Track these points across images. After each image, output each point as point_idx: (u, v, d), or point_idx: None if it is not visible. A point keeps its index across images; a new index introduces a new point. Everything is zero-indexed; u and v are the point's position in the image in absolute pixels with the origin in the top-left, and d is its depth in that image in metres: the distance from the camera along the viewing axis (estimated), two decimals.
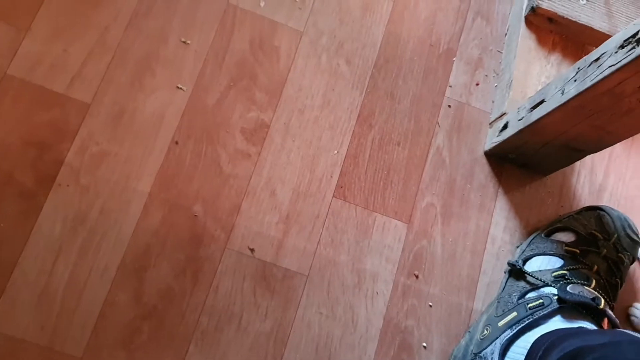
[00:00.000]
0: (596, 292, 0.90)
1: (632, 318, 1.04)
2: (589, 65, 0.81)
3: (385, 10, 1.12)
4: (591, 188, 1.11)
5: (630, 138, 1.14)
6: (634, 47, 0.72)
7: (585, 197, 1.10)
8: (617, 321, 0.87)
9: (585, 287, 0.90)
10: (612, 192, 1.11)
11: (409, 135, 1.06)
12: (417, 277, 0.99)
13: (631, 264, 1.02)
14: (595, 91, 0.80)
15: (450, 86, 1.11)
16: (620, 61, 0.74)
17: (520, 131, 0.97)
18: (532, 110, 0.94)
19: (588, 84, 0.80)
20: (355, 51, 1.09)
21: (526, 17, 1.09)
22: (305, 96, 1.04)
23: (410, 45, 1.11)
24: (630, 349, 0.70)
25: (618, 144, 1.13)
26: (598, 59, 0.79)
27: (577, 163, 1.11)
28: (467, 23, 1.15)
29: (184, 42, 1.02)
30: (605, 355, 0.69)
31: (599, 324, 0.87)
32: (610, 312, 0.87)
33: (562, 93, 0.86)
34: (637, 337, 0.74)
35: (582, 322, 0.87)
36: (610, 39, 0.78)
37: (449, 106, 1.09)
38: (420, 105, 1.08)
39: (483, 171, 1.08)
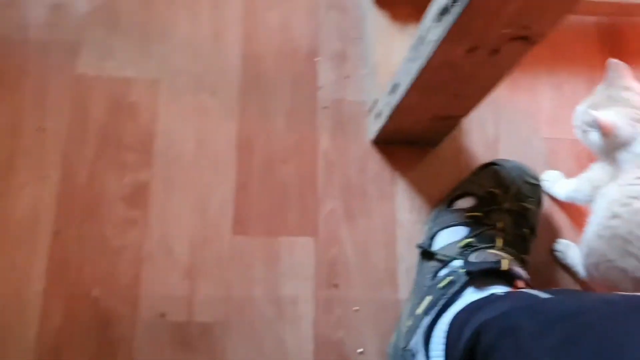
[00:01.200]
0: (501, 253, 0.90)
1: (557, 253, 1.04)
2: (418, 44, 0.80)
3: (237, 31, 1.10)
4: (485, 143, 1.11)
5: (512, 82, 1.14)
6: (446, 16, 0.71)
7: (481, 154, 1.10)
8: (525, 276, 0.87)
9: (490, 251, 0.90)
10: (506, 141, 1.11)
11: (293, 149, 1.05)
12: (336, 286, 0.99)
13: (538, 207, 1.02)
14: (432, 66, 0.79)
15: (321, 87, 1.09)
16: (440, 35, 0.73)
17: (391, 115, 0.97)
18: (392, 95, 0.93)
19: (424, 62, 0.79)
20: (217, 81, 1.07)
21: None
22: (178, 142, 1.02)
23: (270, 58, 1.10)
24: (525, 314, 0.70)
25: (502, 89, 1.13)
26: (422, 36, 0.78)
27: (466, 122, 1.11)
28: (321, 18, 1.13)
29: (40, 128, 0.99)
30: (503, 330, 0.69)
31: (511, 283, 0.87)
32: (516, 269, 0.87)
33: (408, 73, 0.85)
34: (536, 296, 0.74)
35: (494, 287, 0.87)
36: (425, 13, 0.77)
37: (325, 107, 1.08)
38: (297, 116, 1.07)
39: (375, 161, 1.07)
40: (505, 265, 0.86)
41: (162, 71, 1.06)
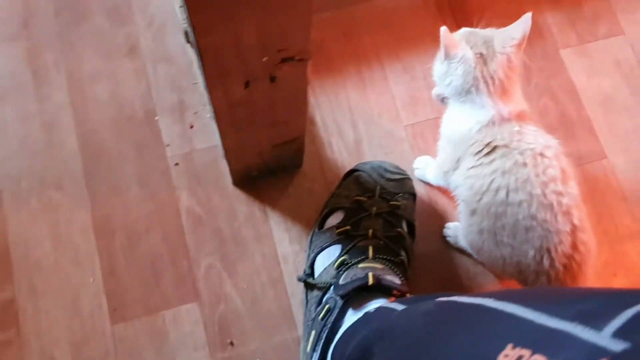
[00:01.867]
0: (371, 264, 0.86)
1: (448, 238, 1.01)
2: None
3: (67, 117, 1.06)
4: (348, 148, 1.07)
5: (360, 80, 1.11)
6: (199, 62, 0.67)
7: (347, 160, 1.06)
8: (396, 282, 0.84)
9: (361, 265, 0.87)
10: (368, 140, 1.08)
11: (154, 216, 1.01)
12: (232, 344, 0.95)
13: (410, 199, 0.99)
14: (222, 109, 0.76)
15: (168, 145, 1.05)
16: (204, 82, 0.70)
17: (227, 157, 0.93)
18: (218, 137, 0.90)
19: (211, 107, 0.76)
20: (59, 174, 1.03)
21: (187, 39, 1.04)
22: (34, 247, 0.98)
23: (108, 132, 1.06)
24: (376, 337, 0.67)
25: (352, 91, 1.10)
26: (200, 83, 0.74)
27: (322, 134, 1.07)
28: (150, 76, 1.09)
29: None
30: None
31: (390, 292, 0.83)
32: (387, 279, 0.83)
33: (210, 114, 0.82)
34: (390, 313, 0.71)
35: (373, 302, 0.83)
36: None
37: (177, 164, 1.05)
38: (150, 181, 1.03)
39: (242, 202, 1.03)
40: (371, 279, 0.82)
41: (1, 181, 1.02)
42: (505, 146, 0.79)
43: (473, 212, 0.84)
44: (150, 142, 1.06)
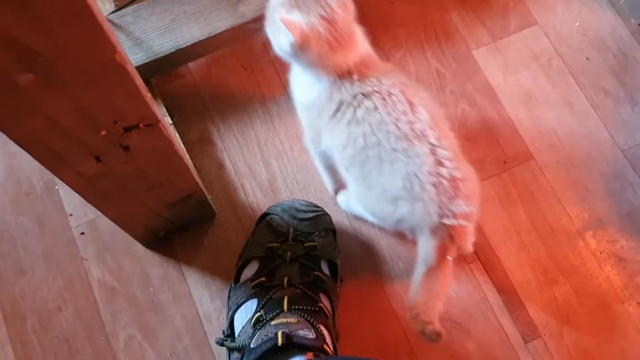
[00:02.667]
0: (285, 319, 0.80)
1: (343, 208, 0.99)
2: None
3: None
4: (262, 189, 1.01)
5: (269, 116, 1.05)
6: None
7: (262, 202, 1.00)
8: (308, 339, 0.78)
9: (274, 321, 0.80)
10: (282, 177, 1.02)
11: (65, 292, 0.95)
12: None
13: (327, 236, 0.92)
14: (86, 185, 0.70)
15: (71, 214, 1.00)
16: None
17: (122, 225, 0.87)
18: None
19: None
20: None
21: None
22: None
23: (8, 211, 1.00)
24: None
25: (259, 126, 1.04)
26: None
27: (233, 178, 1.01)
28: None
29: None
30: None
31: (305, 349, 0.77)
32: (299, 336, 0.77)
33: None
34: None
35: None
36: None
37: (82, 233, 0.99)
38: (55, 256, 0.97)
39: (156, 264, 0.97)
40: (280, 339, 0.76)
41: None
42: (354, 98, 0.78)
43: (347, 169, 0.84)
44: (52, 214, 1.00)
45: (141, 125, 0.62)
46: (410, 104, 0.77)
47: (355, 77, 0.77)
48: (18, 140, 0.55)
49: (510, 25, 1.09)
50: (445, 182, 0.76)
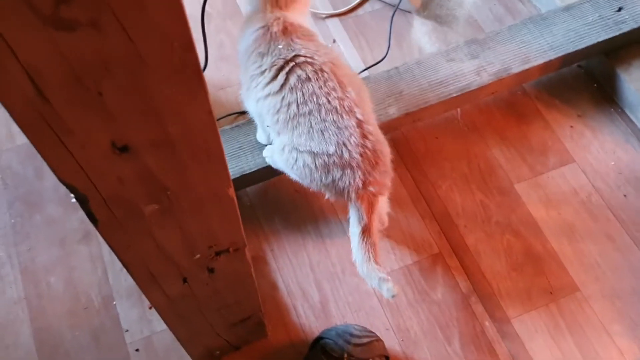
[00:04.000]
0: None
1: (266, 159, 1.03)
2: None
3: (21, 313, 1.03)
4: (314, 311, 1.03)
5: (321, 239, 1.09)
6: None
7: (314, 325, 1.02)
8: None
9: None
10: (334, 299, 1.04)
11: None
12: None
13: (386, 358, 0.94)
14: (163, 305, 0.73)
15: (127, 330, 1.01)
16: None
17: (185, 341, 0.89)
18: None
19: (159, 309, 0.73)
20: None
21: None
22: None
23: (64, 325, 1.02)
24: None
25: (312, 249, 1.08)
26: None
27: (286, 299, 1.04)
28: (106, 260, 1.07)
29: None
30: None
31: None
32: None
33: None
34: None
35: None
36: None
37: (137, 350, 1.00)
38: None
39: None
40: None
41: None
42: (286, 64, 0.87)
43: (278, 134, 0.91)
44: (108, 329, 1.02)
45: (231, 249, 0.66)
46: (340, 82, 0.88)
47: (281, 45, 0.88)
48: (124, 261, 0.59)
49: (549, 162, 1.16)
50: (369, 152, 0.87)
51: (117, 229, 0.54)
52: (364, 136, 0.87)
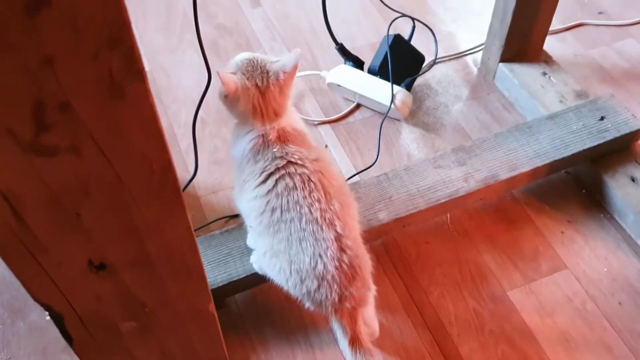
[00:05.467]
0: None
1: (254, 265, 1.02)
2: None
3: None
4: None
5: (311, 349, 1.05)
6: None
7: None
8: None
9: None
10: None
11: None
12: None
13: None
14: None
15: None
16: None
17: None
18: None
19: None
20: None
21: None
22: None
23: None
24: None
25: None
26: None
27: None
28: None
29: None
30: None
31: None
32: None
33: None
34: None
35: None
36: None
37: None
38: None
39: None
40: None
41: None
42: (277, 170, 0.89)
43: (260, 235, 0.92)
44: None
45: None
46: (326, 194, 0.89)
47: (275, 149, 0.89)
48: None
49: (542, 268, 1.15)
50: (346, 266, 0.87)
51: (93, 347, 0.53)
52: (342, 250, 0.87)
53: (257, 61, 0.91)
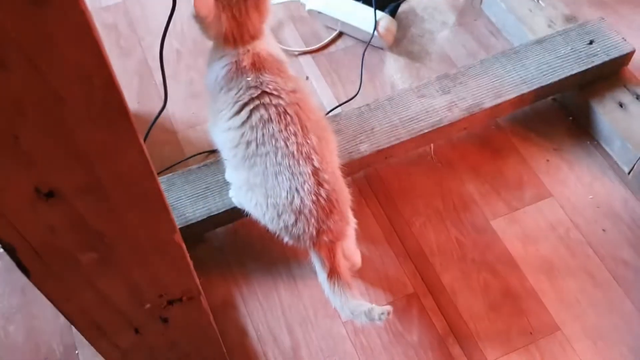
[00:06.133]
0: None
1: (233, 200, 1.01)
2: None
3: None
4: (286, 358, 0.99)
5: (293, 280, 1.04)
6: None
7: None
8: None
9: None
10: (306, 344, 1.00)
11: None
12: None
13: None
14: (114, 355, 0.69)
15: None
16: None
17: None
18: None
19: None
20: None
21: None
22: None
23: None
24: None
25: (284, 291, 1.04)
26: None
27: (255, 345, 0.99)
28: None
29: None
30: None
31: None
32: None
33: None
34: None
35: None
36: None
37: None
38: None
39: None
40: None
41: None
42: (251, 101, 0.85)
43: (236, 168, 0.90)
44: None
45: (184, 298, 0.63)
46: (303, 127, 0.86)
47: (250, 78, 0.85)
48: (66, 313, 0.56)
49: (526, 197, 1.13)
50: (323, 200, 0.85)
51: (53, 280, 0.51)
52: (319, 184, 0.85)
53: None
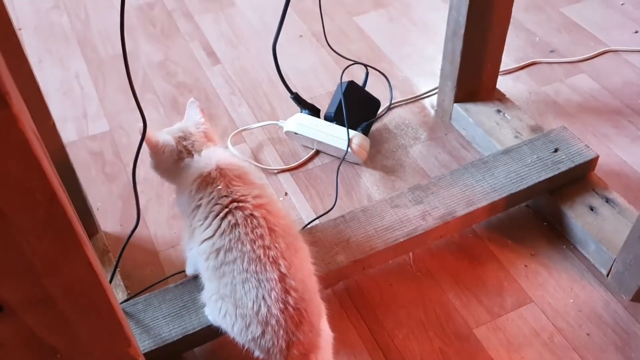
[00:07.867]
0: None
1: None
2: None
3: None
4: None
5: None
6: None
7: None
8: None
9: None
10: None
11: None
12: None
13: None
14: None
15: None
16: None
17: None
18: None
19: None
20: None
21: None
22: None
23: None
24: None
25: None
26: None
27: None
28: None
29: None
30: None
31: None
32: None
33: None
34: None
35: None
36: None
37: None
38: None
39: None
40: None
41: None
42: (221, 210, 0.86)
43: (209, 280, 0.89)
44: None
45: None
46: (271, 231, 0.85)
47: (220, 187, 0.88)
48: None
49: (507, 304, 1.13)
50: (291, 310, 0.82)
51: None
52: (286, 291, 0.83)
53: (176, 126, 0.99)
